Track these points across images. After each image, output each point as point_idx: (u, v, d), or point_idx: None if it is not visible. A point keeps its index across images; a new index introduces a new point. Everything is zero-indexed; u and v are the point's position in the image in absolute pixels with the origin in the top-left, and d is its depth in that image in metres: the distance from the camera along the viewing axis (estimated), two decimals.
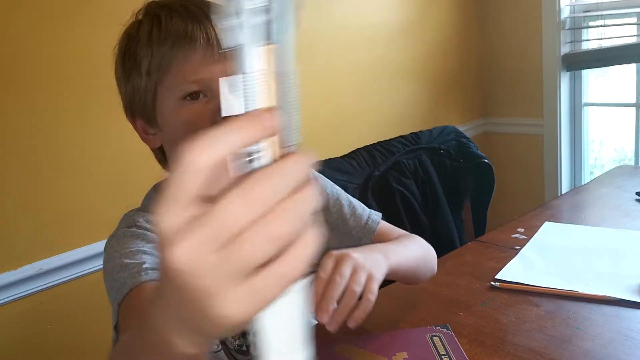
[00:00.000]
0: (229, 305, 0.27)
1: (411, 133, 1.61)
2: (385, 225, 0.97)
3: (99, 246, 1.42)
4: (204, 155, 0.27)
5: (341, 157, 1.46)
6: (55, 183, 1.34)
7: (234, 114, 0.29)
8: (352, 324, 0.70)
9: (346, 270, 0.71)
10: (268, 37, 0.29)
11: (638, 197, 1.38)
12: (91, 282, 1.42)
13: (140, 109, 0.77)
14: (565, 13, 2.48)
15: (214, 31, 0.71)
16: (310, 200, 0.28)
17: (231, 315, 0.27)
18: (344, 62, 2.09)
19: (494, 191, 1.58)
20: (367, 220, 0.95)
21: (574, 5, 2.49)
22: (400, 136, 1.59)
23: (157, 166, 1.48)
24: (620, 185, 1.51)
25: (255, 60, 0.29)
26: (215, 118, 0.71)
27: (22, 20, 1.26)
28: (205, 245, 0.26)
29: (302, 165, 0.29)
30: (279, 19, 0.29)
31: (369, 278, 0.72)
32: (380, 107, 2.26)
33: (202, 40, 0.70)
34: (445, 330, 0.82)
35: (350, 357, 0.77)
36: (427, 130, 1.64)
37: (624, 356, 0.73)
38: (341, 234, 0.94)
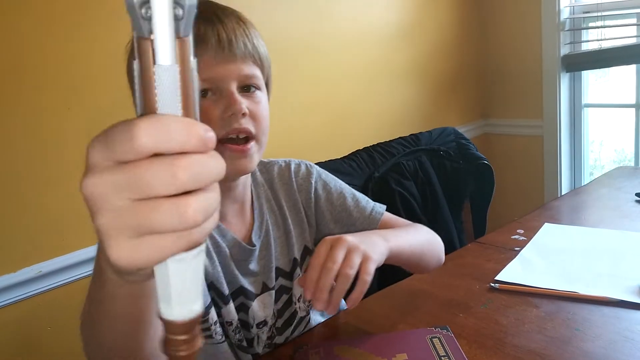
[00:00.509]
0: (119, 250, 0.30)
1: (411, 134, 1.61)
2: (389, 216, 0.98)
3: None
4: (149, 140, 0.29)
5: (341, 158, 1.46)
6: (54, 185, 1.34)
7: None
8: (349, 305, 0.72)
9: (339, 254, 0.72)
10: (180, 31, 0.30)
11: (637, 198, 1.38)
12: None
13: None
14: (564, 14, 2.48)
15: (225, 33, 0.75)
16: (209, 171, 0.30)
17: (119, 259, 0.31)
18: (344, 63, 2.09)
19: (494, 192, 1.58)
20: (371, 211, 0.96)
21: (573, 6, 2.49)
22: (400, 137, 1.59)
23: None
24: (620, 187, 1.51)
25: (170, 53, 0.30)
26: (222, 115, 0.75)
27: (24, 23, 1.26)
28: (116, 188, 0.29)
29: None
30: (190, 12, 0.30)
31: (365, 259, 0.73)
32: (380, 109, 2.26)
33: (213, 41, 0.74)
34: (445, 331, 0.82)
35: (349, 358, 0.77)
36: (426, 131, 1.64)
37: (624, 357, 0.72)
38: (346, 226, 0.96)
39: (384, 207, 0.98)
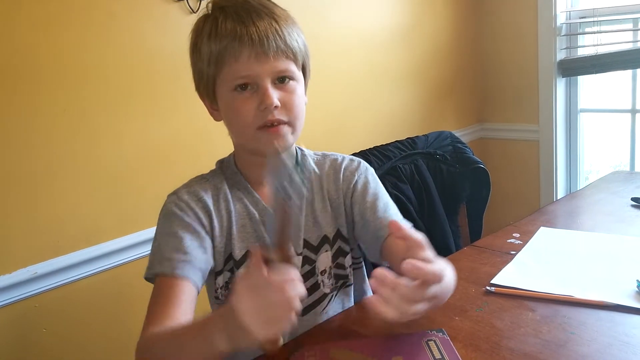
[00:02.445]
0: (258, 330, 0.63)
1: (407, 138, 1.61)
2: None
3: (94, 250, 1.42)
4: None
5: None
6: (50, 186, 1.33)
7: None
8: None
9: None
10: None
11: (633, 203, 1.38)
12: (86, 285, 1.41)
13: (205, 92, 0.93)
14: (561, 19, 2.50)
15: (258, 34, 0.85)
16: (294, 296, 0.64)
17: (258, 335, 0.63)
18: (341, 66, 2.09)
19: (490, 196, 1.58)
20: (385, 212, 1.00)
21: (569, 12, 2.50)
22: (397, 141, 1.59)
23: (155, 170, 1.49)
24: (616, 191, 1.51)
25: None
26: (259, 107, 0.87)
27: (16, 22, 1.26)
28: (255, 304, 0.63)
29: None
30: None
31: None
32: (377, 112, 2.27)
33: (248, 41, 0.85)
34: (440, 334, 0.82)
35: None
36: (423, 135, 1.64)
37: None
38: (367, 222, 0.98)
39: (401, 219, 0.99)
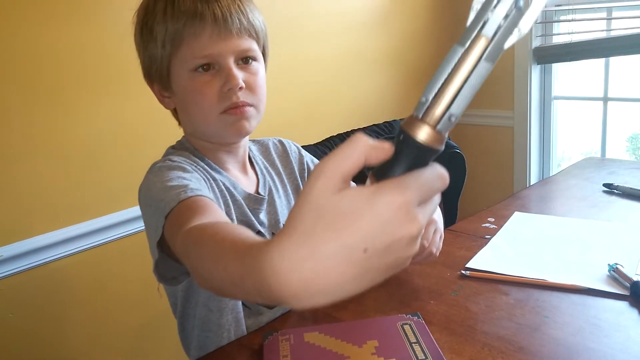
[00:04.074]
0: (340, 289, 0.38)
1: (385, 122, 1.60)
2: None
3: (62, 233, 1.38)
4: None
5: (314, 144, 1.44)
6: (16, 167, 1.29)
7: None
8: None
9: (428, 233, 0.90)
10: (490, 33, 0.37)
11: (605, 189, 1.40)
12: (54, 269, 1.38)
13: (157, 76, 0.86)
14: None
15: (221, 11, 0.80)
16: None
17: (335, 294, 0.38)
18: (319, 49, 2.07)
19: (465, 181, 1.58)
20: None
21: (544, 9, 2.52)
22: (374, 125, 1.58)
23: (125, 151, 1.45)
24: (588, 177, 1.53)
25: (474, 44, 0.38)
26: (222, 89, 0.82)
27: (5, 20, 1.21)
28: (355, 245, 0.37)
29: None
30: (509, 23, 0.37)
31: (435, 231, 0.91)
32: (355, 95, 2.25)
33: (210, 19, 0.80)
34: (415, 318, 0.82)
35: (320, 345, 0.76)
36: (400, 119, 1.63)
37: (592, 344, 0.74)
38: None
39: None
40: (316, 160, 1.08)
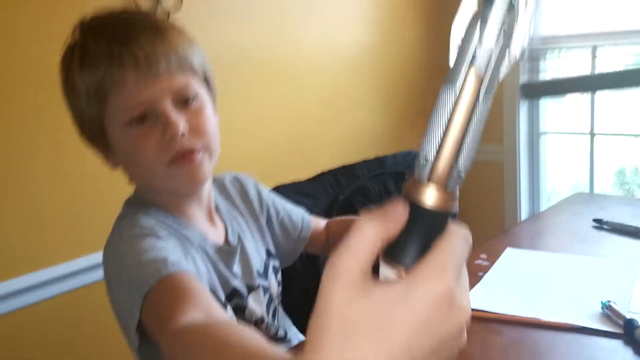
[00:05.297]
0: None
1: (376, 157, 1.61)
2: (314, 219, 1.07)
3: (44, 274, 1.34)
4: None
5: (306, 180, 1.44)
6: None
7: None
8: None
9: None
10: (483, 66, 0.33)
11: (595, 224, 1.41)
12: (39, 311, 1.35)
13: (92, 136, 0.77)
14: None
15: (143, 51, 0.70)
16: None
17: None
18: (311, 84, 2.09)
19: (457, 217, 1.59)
20: (303, 219, 1.04)
21: (531, 37, 2.58)
22: (365, 160, 1.59)
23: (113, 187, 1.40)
24: (577, 212, 1.54)
25: (466, 82, 0.33)
26: (162, 139, 0.72)
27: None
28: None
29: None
30: (499, 52, 0.33)
31: None
32: (346, 131, 2.27)
33: (131, 63, 0.70)
34: None
35: None
36: (391, 154, 1.64)
37: None
38: (286, 232, 1.01)
39: (306, 211, 1.06)
40: (273, 195, 1.02)
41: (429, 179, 0.33)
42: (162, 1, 1.55)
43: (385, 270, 0.33)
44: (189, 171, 0.75)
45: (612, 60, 2.39)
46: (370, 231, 0.32)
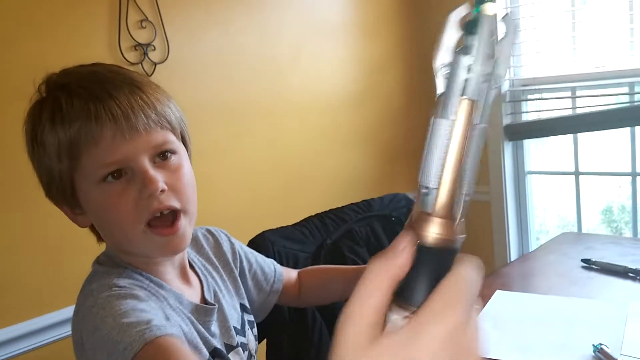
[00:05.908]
0: None
1: (363, 200, 1.61)
2: (285, 269, 1.07)
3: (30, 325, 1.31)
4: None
5: (292, 225, 1.43)
6: None
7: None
8: None
9: None
10: (475, 93, 0.33)
11: (583, 264, 1.41)
12: None
13: (61, 194, 0.73)
14: (504, 86, 2.62)
15: (120, 108, 0.68)
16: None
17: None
18: (296, 128, 2.11)
19: None
20: (275, 271, 1.03)
21: (513, 80, 2.64)
22: (352, 203, 1.58)
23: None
24: (566, 252, 1.54)
25: (460, 110, 0.33)
26: (140, 196, 0.69)
27: None
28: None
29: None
30: (487, 79, 0.33)
31: None
32: (332, 174, 2.28)
33: (109, 119, 0.68)
34: None
35: None
36: (378, 197, 1.64)
37: None
38: (258, 284, 1.00)
39: (276, 262, 1.06)
40: (245, 248, 1.01)
41: (435, 211, 0.33)
42: (148, 52, 1.57)
43: (396, 313, 0.33)
44: (170, 240, 0.72)
45: (591, 102, 2.44)
46: (379, 276, 0.32)
